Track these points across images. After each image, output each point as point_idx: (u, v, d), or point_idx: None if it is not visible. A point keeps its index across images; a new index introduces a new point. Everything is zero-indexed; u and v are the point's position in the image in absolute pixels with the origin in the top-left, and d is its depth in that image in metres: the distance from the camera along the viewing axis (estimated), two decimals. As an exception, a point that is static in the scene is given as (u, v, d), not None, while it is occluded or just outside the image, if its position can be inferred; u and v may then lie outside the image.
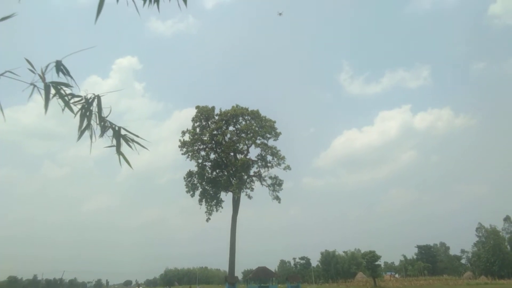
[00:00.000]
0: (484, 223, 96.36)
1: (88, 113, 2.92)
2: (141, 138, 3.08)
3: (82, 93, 3.04)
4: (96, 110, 2.96)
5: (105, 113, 2.97)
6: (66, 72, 2.83)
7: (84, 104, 2.92)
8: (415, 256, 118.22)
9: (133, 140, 3.09)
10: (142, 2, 3.13)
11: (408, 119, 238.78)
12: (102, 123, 2.98)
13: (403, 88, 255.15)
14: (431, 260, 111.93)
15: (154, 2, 3.26)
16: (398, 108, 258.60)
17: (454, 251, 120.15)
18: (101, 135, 3.02)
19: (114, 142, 3.04)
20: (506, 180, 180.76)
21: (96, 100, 2.93)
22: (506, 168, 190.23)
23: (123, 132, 3.05)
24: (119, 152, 3.03)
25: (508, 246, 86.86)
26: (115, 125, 3.03)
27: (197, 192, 53.92)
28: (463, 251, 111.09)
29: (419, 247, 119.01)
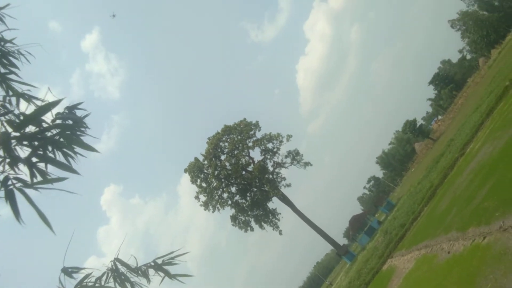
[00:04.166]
0: (450, 18, 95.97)
1: (123, 277, 2.96)
2: (175, 250, 3.14)
3: (103, 267, 3.08)
4: (125, 268, 3.00)
5: (133, 263, 3.03)
6: (76, 269, 2.87)
7: (113, 274, 2.95)
8: (436, 92, 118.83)
9: (172, 258, 3.14)
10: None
11: (326, 9, 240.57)
12: (139, 272, 3.02)
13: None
14: (449, 80, 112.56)
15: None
16: (313, 9, 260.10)
17: (454, 58, 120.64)
18: (148, 281, 3.07)
19: (162, 274, 3.10)
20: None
21: (116, 263, 2.98)
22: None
23: (159, 261, 3.10)
24: (172, 277, 3.08)
25: (484, 12, 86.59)
26: (149, 263, 3.08)
27: (252, 224, 53.88)
28: (460, 51, 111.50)
29: (430, 82, 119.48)
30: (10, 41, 3.82)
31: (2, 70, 3.82)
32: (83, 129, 3.44)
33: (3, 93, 3.72)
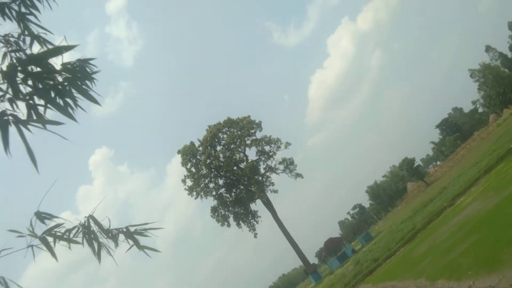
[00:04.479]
0: (472, 67, 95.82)
1: (92, 236, 2.95)
2: (150, 222, 3.12)
3: (78, 218, 3.08)
4: (97, 228, 2.99)
5: (106, 224, 3.02)
6: (50, 216, 2.85)
7: (84, 230, 2.94)
8: (440, 137, 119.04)
9: (145, 229, 3.13)
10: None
11: (353, 28, 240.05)
12: (110, 235, 3.01)
13: (330, 7, 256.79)
14: (456, 129, 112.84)
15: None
16: (339, 25, 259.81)
17: (467, 107, 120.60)
18: (116, 245, 3.06)
19: (131, 242, 3.09)
20: (467, 22, 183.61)
21: (90, 220, 2.97)
22: (463, 14, 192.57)
23: (132, 229, 3.09)
24: (140, 248, 3.07)
25: (506, 70, 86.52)
26: (122, 228, 3.07)
27: (230, 220, 53.86)
28: (474, 102, 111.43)
29: (438, 126, 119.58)
30: None
31: (23, 10, 3.81)
32: (89, 83, 3.43)
33: (19, 31, 3.71)
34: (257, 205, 54.34)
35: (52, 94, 3.17)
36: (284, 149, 53.78)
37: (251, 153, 55.27)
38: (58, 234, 2.86)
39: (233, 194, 54.72)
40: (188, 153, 53.76)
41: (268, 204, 53.17)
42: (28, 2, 3.82)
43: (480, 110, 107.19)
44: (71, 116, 3.06)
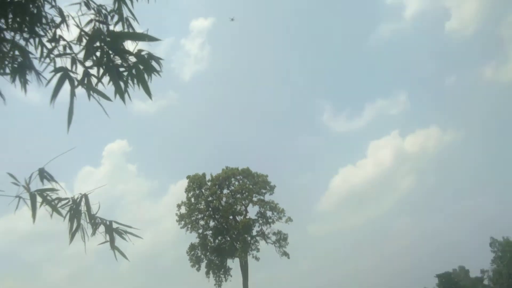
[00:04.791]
0: (496, 236, 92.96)
1: (77, 214, 2.93)
2: (133, 228, 3.08)
3: (69, 194, 3.08)
4: (85, 209, 2.98)
5: (94, 209, 3.01)
6: (50, 178, 2.88)
7: (72, 205, 2.94)
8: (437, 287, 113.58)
9: (126, 232, 3.09)
10: (114, 94, 3.26)
11: (399, 144, 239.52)
12: (93, 221, 2.99)
13: (386, 116, 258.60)
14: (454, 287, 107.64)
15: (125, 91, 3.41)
16: (387, 135, 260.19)
17: (474, 273, 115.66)
18: (93, 233, 3.02)
19: (108, 237, 3.05)
20: (509, 187, 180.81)
21: (83, 199, 2.97)
22: (506, 175, 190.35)
23: (115, 225, 3.06)
24: (113, 247, 3.02)
25: None
26: (106, 220, 3.04)
27: (203, 265, 52.08)
28: (483, 271, 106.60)
29: (438, 276, 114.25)
30: None
31: None
32: (147, 77, 3.59)
33: (112, 7, 3.98)
34: (234, 264, 52.47)
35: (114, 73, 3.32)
36: (283, 223, 52.63)
37: (252, 211, 54.38)
38: (48, 198, 2.87)
39: (217, 241, 53.37)
40: (196, 182, 53.58)
41: (244, 268, 51.24)
42: None
43: (486, 282, 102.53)
44: (123, 97, 3.17)
